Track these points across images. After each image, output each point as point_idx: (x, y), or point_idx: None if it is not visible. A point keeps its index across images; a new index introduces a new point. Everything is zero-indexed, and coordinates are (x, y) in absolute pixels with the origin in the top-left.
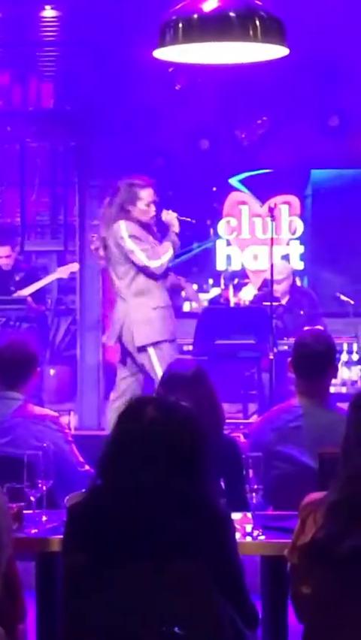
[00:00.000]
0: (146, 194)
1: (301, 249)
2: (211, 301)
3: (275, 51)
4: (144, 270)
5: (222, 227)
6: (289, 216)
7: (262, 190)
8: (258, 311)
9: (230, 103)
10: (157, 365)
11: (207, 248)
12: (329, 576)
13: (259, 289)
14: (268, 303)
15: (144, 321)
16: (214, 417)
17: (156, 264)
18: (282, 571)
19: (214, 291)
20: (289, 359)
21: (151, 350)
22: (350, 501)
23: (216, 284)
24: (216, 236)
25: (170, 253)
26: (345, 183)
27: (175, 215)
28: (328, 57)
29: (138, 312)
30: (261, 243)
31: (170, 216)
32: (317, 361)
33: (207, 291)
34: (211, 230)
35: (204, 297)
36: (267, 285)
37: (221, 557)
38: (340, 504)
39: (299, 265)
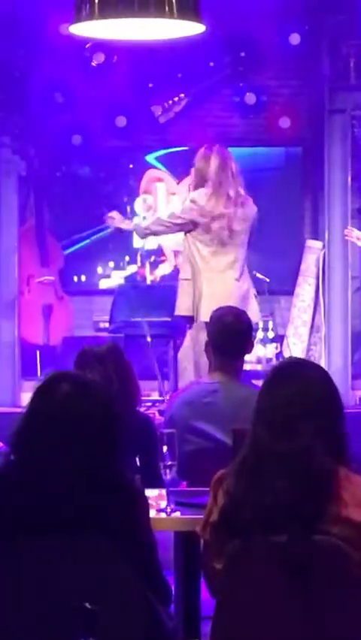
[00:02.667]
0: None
1: None
2: (128, 279)
3: (191, 28)
4: None
5: (138, 204)
6: None
7: (178, 168)
8: (173, 289)
9: (147, 80)
10: None
11: None
12: (238, 548)
13: (176, 267)
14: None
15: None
16: (127, 393)
17: None
18: (195, 546)
19: (131, 269)
20: (207, 336)
21: None
22: (252, 468)
23: (133, 261)
24: (133, 213)
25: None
26: (259, 161)
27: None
28: (245, 34)
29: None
30: None
31: None
32: (237, 339)
33: (123, 269)
34: (128, 208)
35: (121, 275)
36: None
37: (134, 533)
38: (243, 472)
39: None
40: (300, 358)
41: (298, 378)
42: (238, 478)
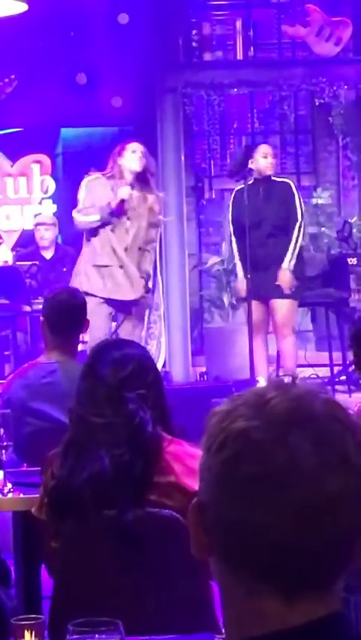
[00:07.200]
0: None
1: (53, 207)
2: None
3: (13, 6)
4: None
5: None
6: (40, 175)
7: (12, 149)
8: (11, 271)
9: None
10: None
11: None
12: (72, 526)
13: (13, 249)
14: (25, 263)
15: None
16: None
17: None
18: (33, 526)
19: None
20: (42, 316)
21: None
22: (77, 446)
23: None
24: None
25: (91, 218)
26: (95, 141)
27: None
28: (72, 14)
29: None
30: (13, 202)
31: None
32: (71, 316)
33: None
34: None
35: None
36: (22, 245)
37: None
38: (68, 452)
39: None
40: (115, 338)
41: (117, 357)
42: (64, 458)
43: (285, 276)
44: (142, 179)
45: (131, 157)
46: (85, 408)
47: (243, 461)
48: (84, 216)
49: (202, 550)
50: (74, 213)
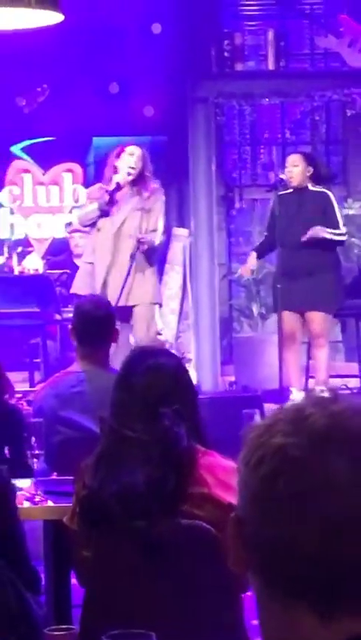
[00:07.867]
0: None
1: None
2: None
3: (50, 17)
4: None
5: (4, 195)
6: (72, 184)
7: (44, 158)
8: (41, 279)
9: (10, 70)
10: None
11: None
12: (103, 536)
13: (43, 257)
14: (56, 271)
15: None
16: None
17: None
18: (64, 535)
19: None
20: (70, 325)
21: None
22: (109, 458)
23: (0, 253)
24: None
25: (89, 208)
26: None
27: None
28: (105, 23)
29: None
30: (44, 211)
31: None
32: (97, 326)
33: None
34: None
35: None
36: (52, 253)
37: (1, 523)
38: (100, 463)
39: None
40: (149, 347)
41: (151, 367)
42: (96, 469)
43: (315, 230)
44: (140, 181)
45: (128, 159)
46: (118, 420)
47: (280, 478)
48: (82, 210)
49: (240, 564)
50: (74, 214)
